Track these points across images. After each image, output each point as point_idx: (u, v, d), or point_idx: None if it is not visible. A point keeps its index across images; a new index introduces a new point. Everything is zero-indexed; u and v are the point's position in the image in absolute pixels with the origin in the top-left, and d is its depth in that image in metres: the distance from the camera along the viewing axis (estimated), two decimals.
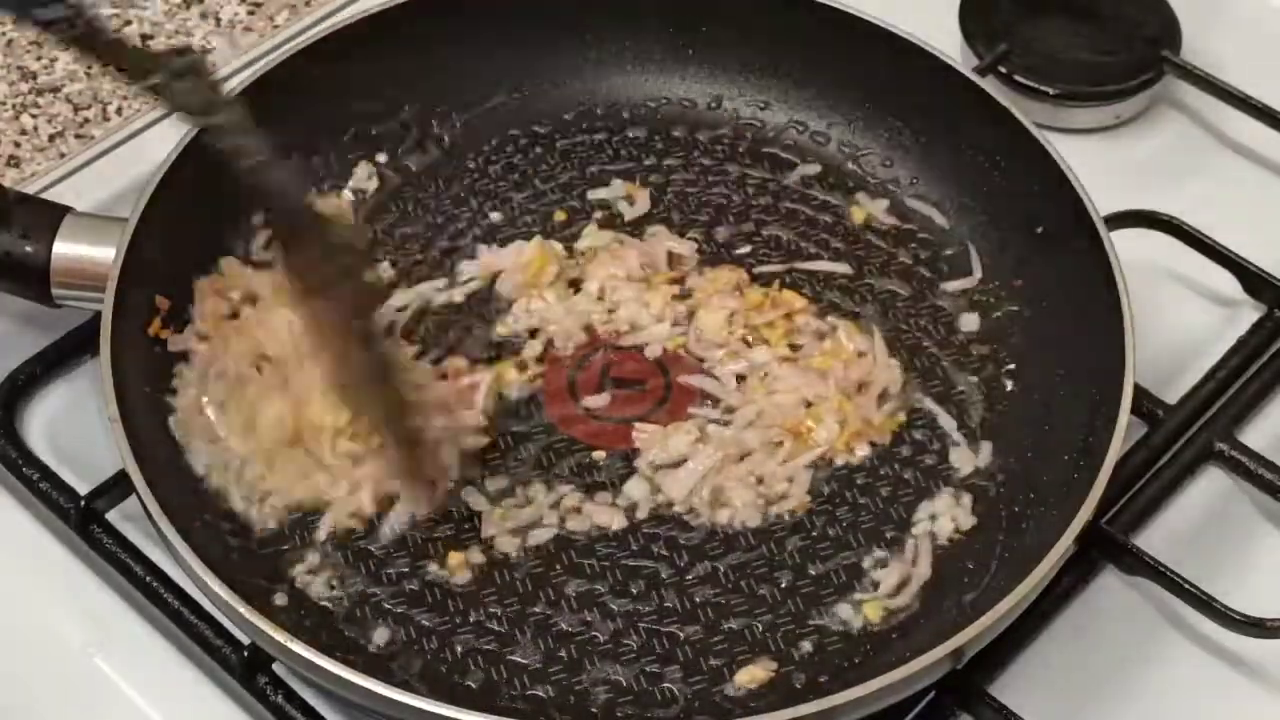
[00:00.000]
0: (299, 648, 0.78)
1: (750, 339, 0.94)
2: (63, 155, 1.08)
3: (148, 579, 0.87)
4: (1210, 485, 0.94)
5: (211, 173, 0.93)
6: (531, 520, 0.88)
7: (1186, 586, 0.87)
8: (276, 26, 1.16)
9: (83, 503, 0.89)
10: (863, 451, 0.91)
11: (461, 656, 0.84)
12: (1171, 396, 0.95)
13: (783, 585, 0.87)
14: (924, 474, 0.90)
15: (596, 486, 0.90)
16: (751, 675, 0.83)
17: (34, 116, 1.11)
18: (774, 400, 0.91)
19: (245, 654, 0.84)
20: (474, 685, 0.83)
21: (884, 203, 1.01)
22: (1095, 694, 0.87)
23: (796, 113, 1.04)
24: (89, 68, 1.13)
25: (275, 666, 0.84)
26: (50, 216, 0.93)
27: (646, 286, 0.96)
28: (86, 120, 1.10)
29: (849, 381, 0.92)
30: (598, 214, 1.00)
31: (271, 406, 0.88)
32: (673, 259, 0.98)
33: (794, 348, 0.94)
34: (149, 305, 0.91)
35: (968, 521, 0.89)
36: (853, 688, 0.78)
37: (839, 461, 0.90)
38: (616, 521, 0.88)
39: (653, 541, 0.88)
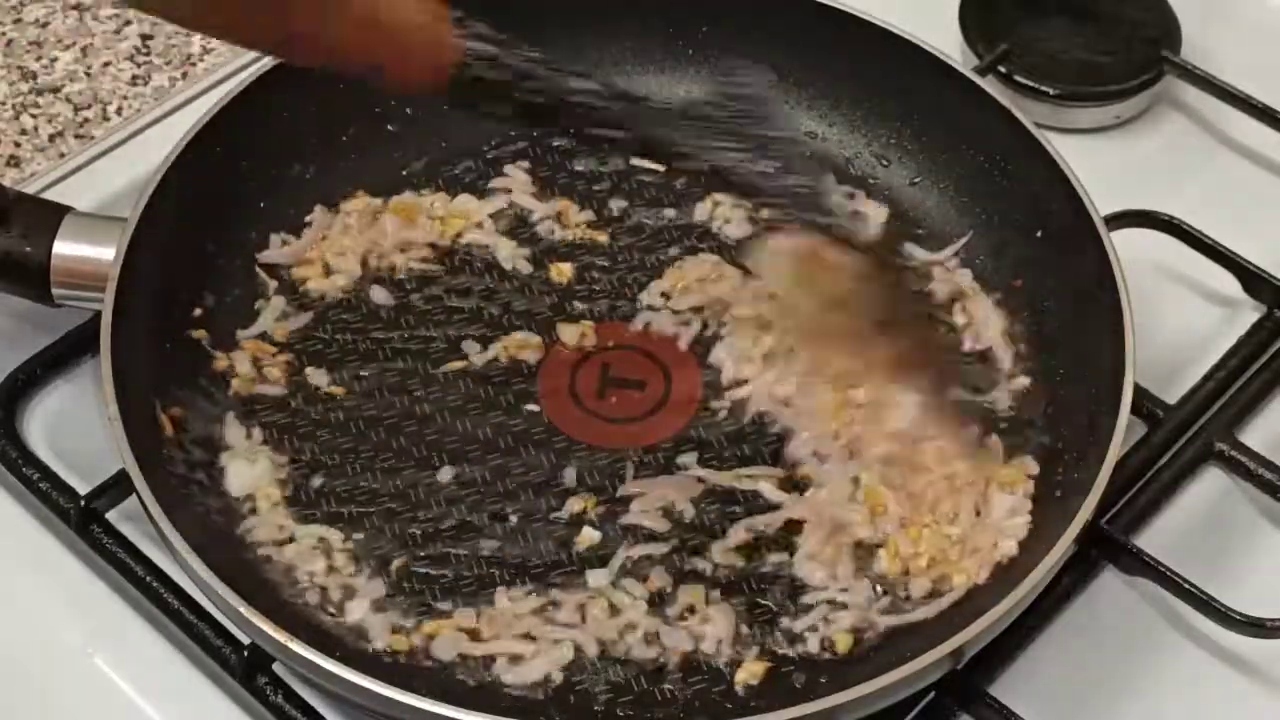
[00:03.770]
0: (299, 648, 0.78)
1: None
2: (63, 155, 1.08)
3: (148, 579, 0.87)
4: (1210, 485, 0.94)
5: (211, 173, 0.95)
6: None
7: (1186, 586, 0.87)
8: None
9: (83, 503, 0.89)
10: None
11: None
12: (1171, 396, 0.95)
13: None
14: None
15: (596, 489, 0.90)
16: (750, 672, 0.83)
17: (34, 116, 1.11)
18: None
19: (245, 654, 0.84)
20: (474, 685, 0.83)
21: (883, 203, 1.01)
22: (1095, 694, 0.87)
23: (796, 113, 1.04)
24: (89, 68, 1.13)
25: (275, 666, 0.84)
26: (50, 216, 0.93)
27: None
28: (86, 120, 1.10)
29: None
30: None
31: None
32: None
33: None
34: (148, 305, 0.91)
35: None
36: (853, 688, 0.78)
37: None
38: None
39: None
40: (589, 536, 0.88)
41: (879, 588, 0.86)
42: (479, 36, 0.81)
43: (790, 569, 0.86)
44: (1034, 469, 0.89)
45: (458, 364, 0.94)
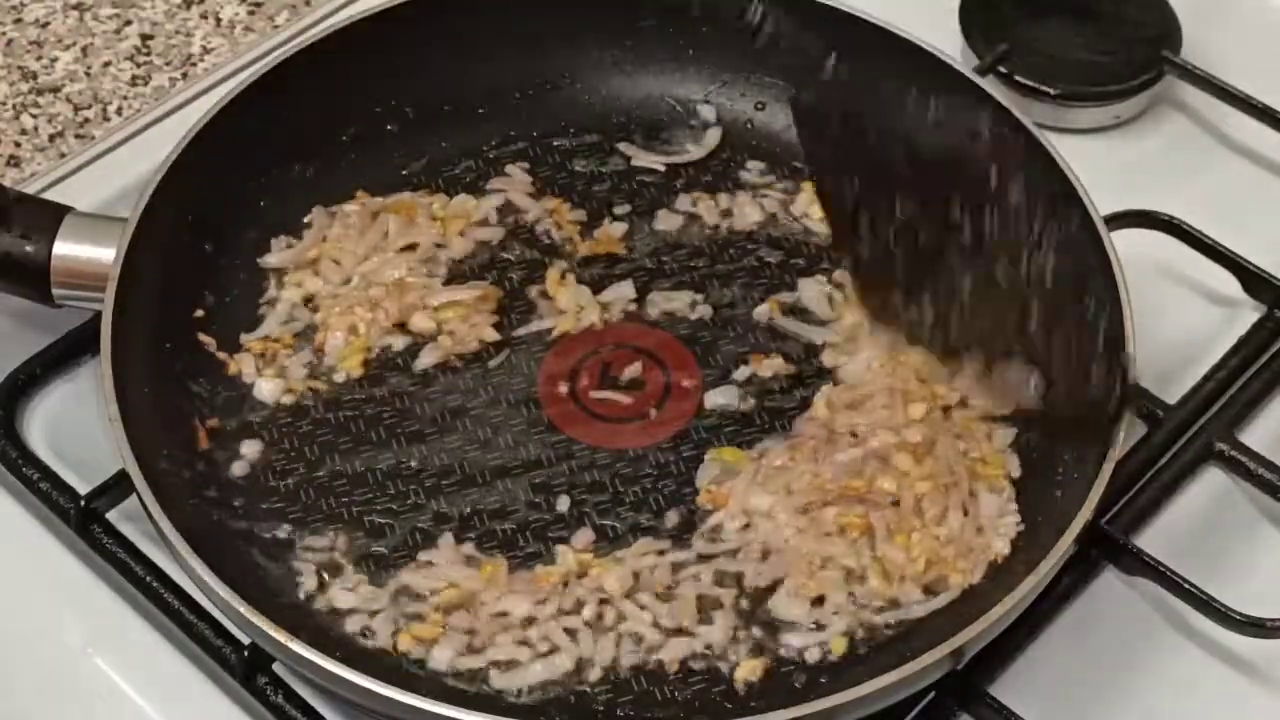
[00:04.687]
0: (299, 648, 0.78)
1: None
2: (63, 155, 1.08)
3: (148, 579, 0.87)
4: (1210, 485, 0.94)
5: (211, 173, 0.95)
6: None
7: (1186, 586, 0.87)
8: (276, 26, 1.16)
9: (83, 503, 0.89)
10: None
11: None
12: (1171, 396, 0.95)
13: None
14: None
15: (597, 488, 0.90)
16: (750, 669, 0.83)
17: (34, 116, 1.11)
18: None
19: (245, 654, 0.84)
20: (473, 685, 0.83)
21: None
22: (1095, 694, 0.87)
23: None
24: (89, 68, 1.13)
25: (275, 666, 0.84)
26: (50, 216, 0.93)
27: None
28: (86, 120, 1.11)
29: None
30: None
31: None
32: None
33: None
34: (148, 305, 0.91)
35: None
36: (853, 688, 0.78)
37: None
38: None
39: None
40: (586, 537, 0.88)
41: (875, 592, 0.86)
42: None
43: (769, 612, 0.86)
44: (1015, 469, 0.89)
45: (458, 364, 0.94)
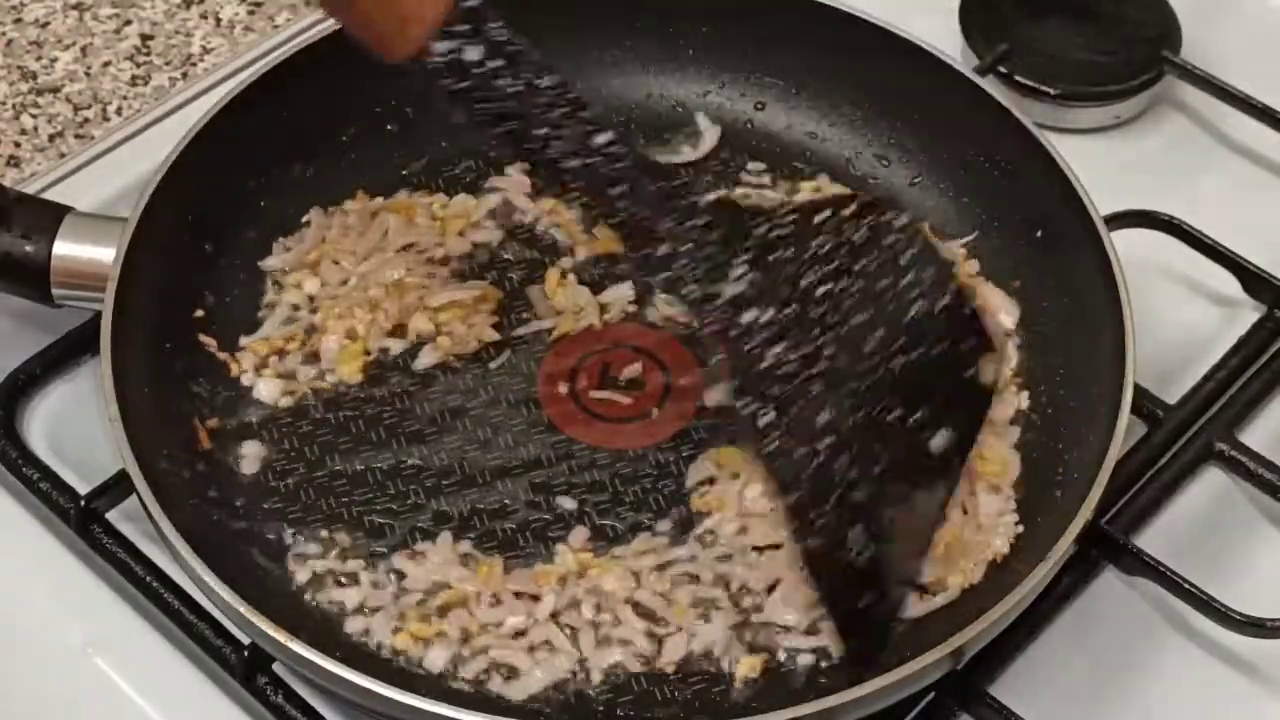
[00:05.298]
0: (299, 648, 0.78)
1: None
2: (63, 155, 1.08)
3: (148, 579, 0.87)
4: (1210, 485, 0.94)
5: (211, 173, 0.95)
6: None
7: (1186, 586, 0.87)
8: (276, 26, 1.16)
9: (83, 503, 0.89)
10: None
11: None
12: (1171, 396, 0.95)
13: None
14: None
15: (597, 487, 0.90)
16: (749, 666, 0.83)
17: (34, 116, 1.11)
18: None
19: (245, 654, 0.84)
20: (473, 684, 0.83)
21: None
22: (1095, 694, 0.87)
23: (796, 113, 1.04)
24: (89, 68, 1.13)
25: (275, 666, 0.84)
26: (50, 216, 0.93)
27: None
28: (86, 120, 1.11)
29: None
30: None
31: None
32: None
33: None
34: (148, 305, 0.91)
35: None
36: (853, 688, 0.78)
37: None
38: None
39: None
40: (584, 536, 0.88)
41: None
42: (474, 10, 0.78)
43: (767, 613, 0.86)
44: (1015, 469, 0.89)
45: (458, 364, 0.94)
